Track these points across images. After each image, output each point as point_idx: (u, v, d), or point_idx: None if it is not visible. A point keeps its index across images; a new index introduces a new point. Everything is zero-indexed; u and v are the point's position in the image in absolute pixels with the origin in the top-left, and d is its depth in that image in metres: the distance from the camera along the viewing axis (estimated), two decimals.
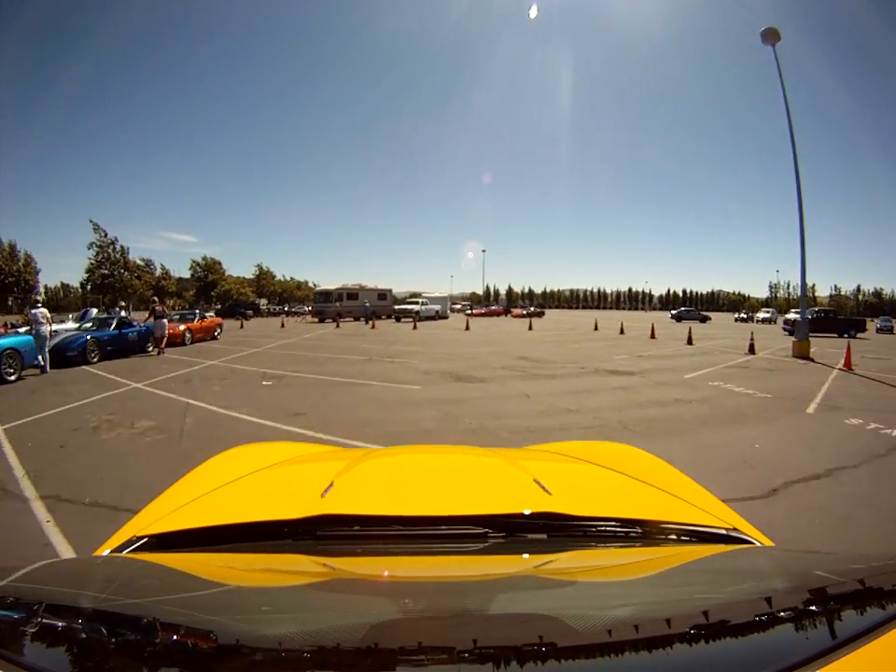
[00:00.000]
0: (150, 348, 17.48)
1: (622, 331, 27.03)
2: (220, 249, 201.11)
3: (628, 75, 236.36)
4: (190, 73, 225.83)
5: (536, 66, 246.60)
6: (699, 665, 0.61)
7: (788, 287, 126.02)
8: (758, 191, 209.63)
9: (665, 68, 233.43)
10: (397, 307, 46.70)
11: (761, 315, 52.04)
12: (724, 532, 1.12)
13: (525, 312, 59.68)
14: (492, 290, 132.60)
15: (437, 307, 48.74)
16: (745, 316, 53.80)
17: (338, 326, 33.66)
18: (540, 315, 59.46)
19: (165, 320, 18.56)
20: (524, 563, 1.01)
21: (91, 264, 54.44)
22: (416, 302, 46.53)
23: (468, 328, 30.33)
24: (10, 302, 50.06)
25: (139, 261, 64.38)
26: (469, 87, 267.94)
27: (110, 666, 0.61)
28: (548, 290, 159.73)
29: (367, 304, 41.82)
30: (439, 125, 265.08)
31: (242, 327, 33.94)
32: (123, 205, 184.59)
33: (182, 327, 20.70)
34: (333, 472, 1.36)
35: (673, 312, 53.33)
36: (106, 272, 54.97)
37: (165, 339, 18.03)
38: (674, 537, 1.10)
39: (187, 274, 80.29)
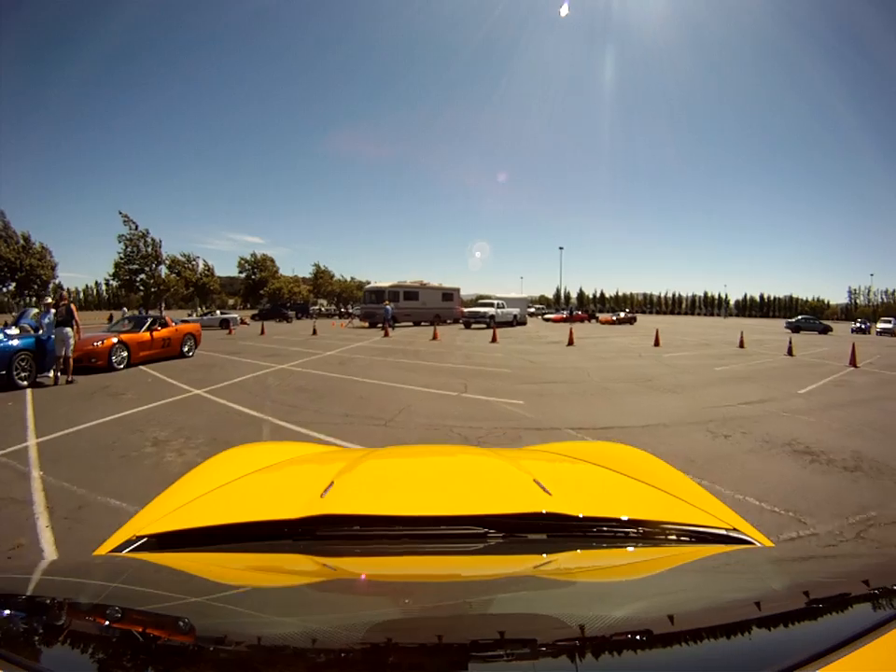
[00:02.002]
0: (33, 376, 10.21)
1: (790, 352, 18.00)
2: (288, 251, 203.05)
3: (689, 72, 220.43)
4: (253, 77, 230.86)
5: (584, 62, 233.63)
6: (699, 665, 0.60)
7: (868, 293, 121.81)
8: (835, 196, 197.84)
9: (728, 67, 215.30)
10: (466, 310, 37.60)
11: (881, 325, 44.03)
12: (724, 532, 1.12)
13: (614, 318, 49.98)
14: (562, 293, 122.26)
15: (515, 310, 39.40)
16: (862, 327, 45.80)
17: (387, 334, 24.93)
18: (632, 321, 49.72)
19: (69, 329, 10.53)
20: (523, 563, 1.01)
21: (120, 258, 48.99)
22: (491, 304, 37.05)
23: (571, 342, 20.68)
24: (29, 300, 44.87)
25: (179, 256, 58.95)
26: (509, 85, 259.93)
27: (110, 666, 0.60)
28: (620, 294, 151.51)
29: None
30: (494, 125, 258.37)
31: (262, 332, 26.03)
32: (190, 206, 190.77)
33: (114, 339, 12.48)
34: (333, 472, 1.36)
35: (790, 321, 44.03)
36: (136, 267, 49.29)
37: (69, 359, 10.49)
38: (674, 537, 1.10)
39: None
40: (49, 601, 0.78)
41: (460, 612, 0.77)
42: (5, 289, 44.29)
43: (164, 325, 14.55)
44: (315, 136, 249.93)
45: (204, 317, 34.59)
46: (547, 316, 55.50)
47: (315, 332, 25.98)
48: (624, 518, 1.11)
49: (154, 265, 50.40)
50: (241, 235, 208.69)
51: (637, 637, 0.63)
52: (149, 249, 49.79)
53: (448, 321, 40.27)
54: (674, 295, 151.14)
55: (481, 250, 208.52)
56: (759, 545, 1.11)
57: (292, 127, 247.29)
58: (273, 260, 79.71)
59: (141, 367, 12.71)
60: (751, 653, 0.62)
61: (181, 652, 0.61)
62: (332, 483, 1.24)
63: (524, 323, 41.19)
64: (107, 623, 0.68)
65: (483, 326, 34.06)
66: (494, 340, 21.44)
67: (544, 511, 1.06)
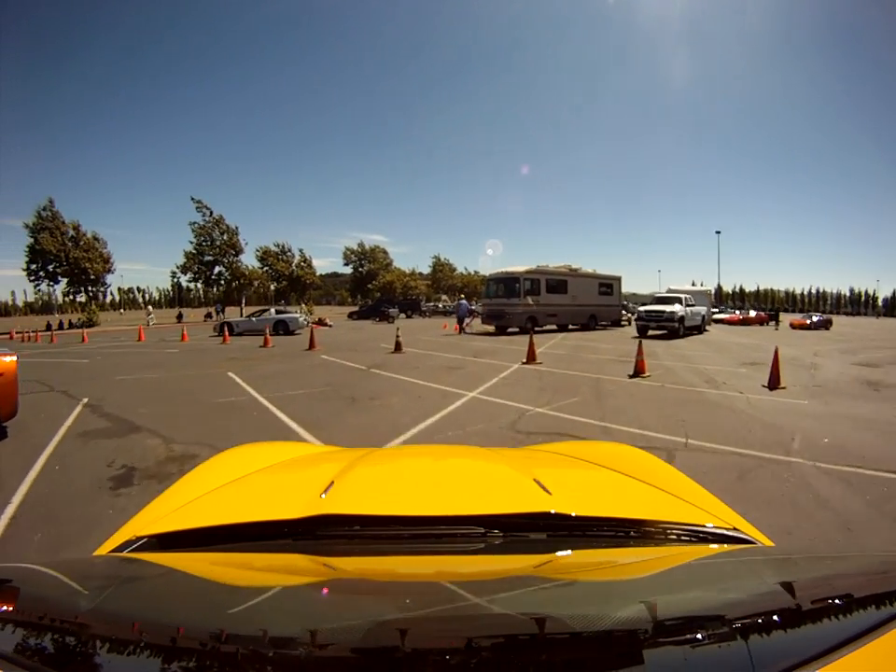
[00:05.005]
0: None
1: None
2: (410, 248, 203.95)
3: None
4: (385, 81, 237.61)
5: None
6: (699, 666, 0.62)
7: None
8: None
9: None
10: (642, 308, 25.05)
11: None
12: (724, 532, 1.14)
13: (808, 321, 38.98)
14: (705, 286, 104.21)
15: (702, 310, 27.32)
16: None
17: (532, 357, 12.95)
18: (827, 325, 39.08)
19: None
20: (523, 563, 1.04)
21: (194, 249, 43.42)
22: (676, 299, 24.39)
23: None
24: (84, 297, 41.02)
25: (272, 247, 52.29)
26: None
27: (110, 667, 0.62)
28: (761, 290, 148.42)
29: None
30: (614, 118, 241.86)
31: (310, 347, 16.09)
32: (315, 204, 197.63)
33: None
34: (333, 472, 1.38)
35: None
36: (210, 258, 43.40)
37: None
38: (674, 537, 1.12)
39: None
40: (49, 601, 0.79)
41: (461, 612, 0.78)
42: (54, 286, 40.32)
43: None
44: (440, 132, 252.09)
45: (253, 318, 25.94)
46: (717, 317, 43.11)
47: (398, 348, 15.26)
48: (625, 517, 1.14)
49: (232, 255, 44.21)
50: (364, 234, 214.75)
51: (637, 637, 0.65)
52: (225, 237, 43.75)
53: (604, 323, 30.05)
54: (818, 291, 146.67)
55: (493, 248, 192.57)
56: (759, 545, 1.14)
57: (418, 123, 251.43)
58: (385, 252, 72.48)
59: None
60: (751, 653, 0.62)
61: (181, 652, 0.62)
62: (332, 482, 1.26)
63: (706, 329, 28.66)
64: (107, 623, 0.69)
65: (663, 332, 22.51)
66: (776, 384, 9.24)
67: (545, 511, 1.08)
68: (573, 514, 1.07)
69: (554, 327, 26.19)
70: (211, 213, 43.82)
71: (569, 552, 1.03)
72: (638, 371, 10.75)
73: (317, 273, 62.97)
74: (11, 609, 0.74)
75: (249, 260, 49.34)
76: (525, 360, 12.84)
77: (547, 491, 1.20)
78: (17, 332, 28.35)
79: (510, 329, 23.90)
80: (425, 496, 1.27)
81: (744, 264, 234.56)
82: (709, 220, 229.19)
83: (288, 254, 54.37)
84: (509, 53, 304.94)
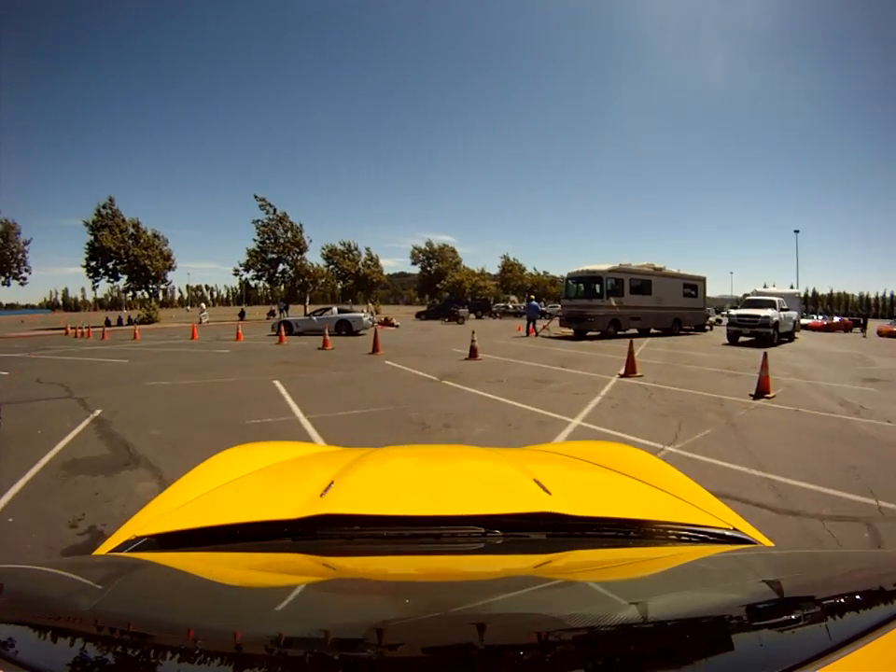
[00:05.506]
0: None
1: None
2: (477, 249, 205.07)
3: None
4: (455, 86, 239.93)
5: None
6: (699, 665, 0.62)
7: None
8: None
9: None
10: (734, 312, 22.73)
11: None
12: (724, 532, 1.14)
13: None
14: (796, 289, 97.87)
15: (794, 314, 25.07)
16: None
17: (631, 370, 10.81)
18: None
19: None
20: (523, 563, 1.04)
21: (258, 247, 43.30)
22: (770, 303, 21.74)
23: None
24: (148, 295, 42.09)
25: (338, 245, 52.14)
26: None
27: (110, 667, 0.62)
28: (834, 293, 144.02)
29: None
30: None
31: (375, 350, 14.55)
32: (387, 209, 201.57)
33: None
34: (333, 472, 1.38)
35: None
36: (274, 256, 43.31)
37: None
38: (674, 537, 1.12)
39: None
40: (49, 601, 0.79)
41: (461, 612, 0.78)
42: (115, 283, 40.87)
43: None
44: (512, 133, 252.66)
45: (314, 317, 24.92)
46: (803, 322, 38.99)
47: (473, 354, 13.48)
48: (625, 518, 1.14)
49: (296, 253, 43.86)
50: (434, 234, 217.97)
51: (637, 637, 0.66)
52: (288, 235, 43.39)
53: (688, 328, 28.00)
54: (892, 295, 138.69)
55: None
56: (759, 545, 1.14)
57: (488, 124, 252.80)
58: (454, 250, 71.00)
59: None
60: (751, 653, 0.63)
61: (181, 653, 0.62)
62: (332, 482, 1.25)
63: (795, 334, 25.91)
64: (108, 622, 0.69)
65: (752, 339, 20.64)
66: None
67: (545, 511, 1.07)
68: (573, 514, 1.07)
69: (635, 331, 23.86)
70: (274, 210, 43.57)
71: (570, 552, 1.03)
72: (762, 391, 8.67)
73: (385, 273, 62.45)
74: (11, 608, 0.74)
75: (315, 258, 49.21)
76: (622, 372, 10.84)
77: (547, 491, 1.19)
78: (71, 328, 28.19)
79: (589, 333, 21.77)
80: (425, 496, 1.26)
81: (815, 267, 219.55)
82: (781, 220, 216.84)
83: (354, 252, 53.70)
84: (588, 51, 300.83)
